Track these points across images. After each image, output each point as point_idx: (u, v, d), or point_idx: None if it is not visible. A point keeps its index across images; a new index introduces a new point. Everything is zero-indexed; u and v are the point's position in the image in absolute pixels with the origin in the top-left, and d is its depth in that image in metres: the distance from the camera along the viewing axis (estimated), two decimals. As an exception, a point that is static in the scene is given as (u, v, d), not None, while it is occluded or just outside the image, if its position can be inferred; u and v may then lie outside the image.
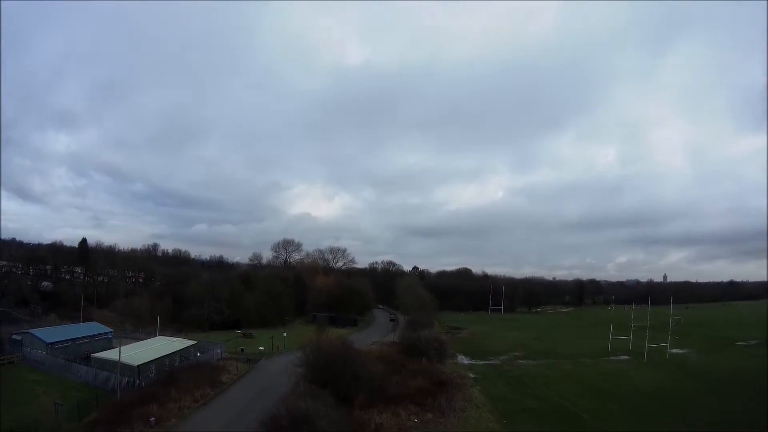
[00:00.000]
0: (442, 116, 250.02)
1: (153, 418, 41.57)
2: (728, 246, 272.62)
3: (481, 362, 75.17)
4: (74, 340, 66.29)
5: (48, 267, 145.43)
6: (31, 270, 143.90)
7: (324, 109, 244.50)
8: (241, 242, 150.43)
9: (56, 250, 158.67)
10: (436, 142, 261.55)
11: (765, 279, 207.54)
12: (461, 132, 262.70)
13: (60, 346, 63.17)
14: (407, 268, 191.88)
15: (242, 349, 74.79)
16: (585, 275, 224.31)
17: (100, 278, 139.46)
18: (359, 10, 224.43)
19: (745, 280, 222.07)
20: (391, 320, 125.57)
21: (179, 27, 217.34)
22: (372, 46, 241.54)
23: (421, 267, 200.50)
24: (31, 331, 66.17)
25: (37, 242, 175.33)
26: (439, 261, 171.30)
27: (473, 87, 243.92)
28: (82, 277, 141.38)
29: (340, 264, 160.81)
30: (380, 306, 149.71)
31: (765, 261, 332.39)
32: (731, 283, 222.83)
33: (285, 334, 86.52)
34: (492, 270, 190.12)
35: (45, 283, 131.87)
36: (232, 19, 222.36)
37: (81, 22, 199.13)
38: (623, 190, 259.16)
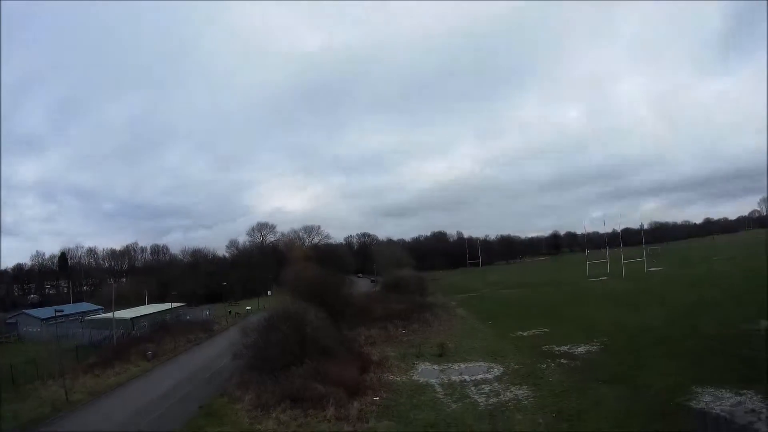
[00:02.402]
0: (402, 93, 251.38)
1: (150, 352, 44.53)
2: (700, 190, 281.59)
3: (463, 295, 77.84)
4: (67, 316, 68.36)
5: (32, 285, 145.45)
6: (15, 290, 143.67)
7: (285, 99, 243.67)
8: (217, 245, 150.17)
9: (38, 267, 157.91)
10: (399, 120, 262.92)
11: (740, 216, 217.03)
12: (423, 107, 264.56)
13: (53, 322, 65.23)
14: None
15: (230, 312, 77.94)
16: (561, 232, 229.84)
17: (85, 287, 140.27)
18: None
19: (721, 218, 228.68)
20: (371, 282, 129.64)
21: (132, 35, 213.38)
22: (326, 29, 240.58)
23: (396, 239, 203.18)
24: (25, 311, 67.86)
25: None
26: (413, 237, 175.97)
27: (429, 59, 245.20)
28: (67, 287, 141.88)
29: (316, 240, 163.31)
30: (359, 275, 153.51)
31: (740, 201, 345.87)
32: (707, 222, 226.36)
33: (270, 292, 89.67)
34: (468, 233, 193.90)
35: (32, 296, 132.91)
36: (182, 22, 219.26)
37: (35, 39, 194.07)
38: (590, 147, 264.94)
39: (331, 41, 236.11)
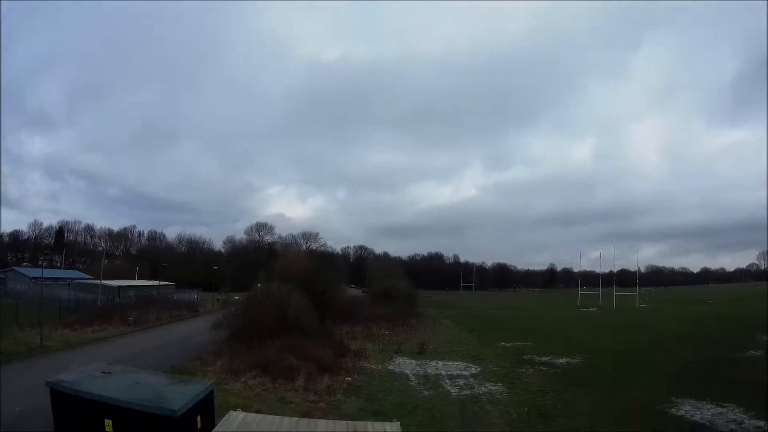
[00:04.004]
0: (415, 114, 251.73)
1: (132, 318, 44.33)
2: (701, 240, 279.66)
3: (452, 310, 77.48)
4: (56, 279, 68.17)
5: (27, 254, 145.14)
6: (9, 256, 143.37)
7: (298, 107, 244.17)
8: (214, 244, 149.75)
9: (34, 237, 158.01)
10: (409, 141, 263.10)
11: (737, 268, 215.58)
12: (434, 130, 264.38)
13: (42, 282, 64.93)
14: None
15: (218, 299, 77.44)
16: (558, 268, 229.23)
17: (78, 265, 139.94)
18: (334, 5, 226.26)
19: (719, 268, 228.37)
20: (363, 292, 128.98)
21: (154, 28, 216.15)
22: (347, 42, 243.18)
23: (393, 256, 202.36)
24: (15, 268, 67.72)
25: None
26: (410, 255, 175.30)
27: (446, 84, 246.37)
28: (60, 262, 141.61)
29: (313, 246, 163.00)
30: (352, 285, 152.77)
31: (738, 254, 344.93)
32: (704, 271, 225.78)
33: (260, 285, 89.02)
34: (464, 258, 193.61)
35: (25, 264, 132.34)
36: (206, 21, 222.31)
37: (59, 22, 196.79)
38: (596, 186, 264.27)
39: (350, 54, 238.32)
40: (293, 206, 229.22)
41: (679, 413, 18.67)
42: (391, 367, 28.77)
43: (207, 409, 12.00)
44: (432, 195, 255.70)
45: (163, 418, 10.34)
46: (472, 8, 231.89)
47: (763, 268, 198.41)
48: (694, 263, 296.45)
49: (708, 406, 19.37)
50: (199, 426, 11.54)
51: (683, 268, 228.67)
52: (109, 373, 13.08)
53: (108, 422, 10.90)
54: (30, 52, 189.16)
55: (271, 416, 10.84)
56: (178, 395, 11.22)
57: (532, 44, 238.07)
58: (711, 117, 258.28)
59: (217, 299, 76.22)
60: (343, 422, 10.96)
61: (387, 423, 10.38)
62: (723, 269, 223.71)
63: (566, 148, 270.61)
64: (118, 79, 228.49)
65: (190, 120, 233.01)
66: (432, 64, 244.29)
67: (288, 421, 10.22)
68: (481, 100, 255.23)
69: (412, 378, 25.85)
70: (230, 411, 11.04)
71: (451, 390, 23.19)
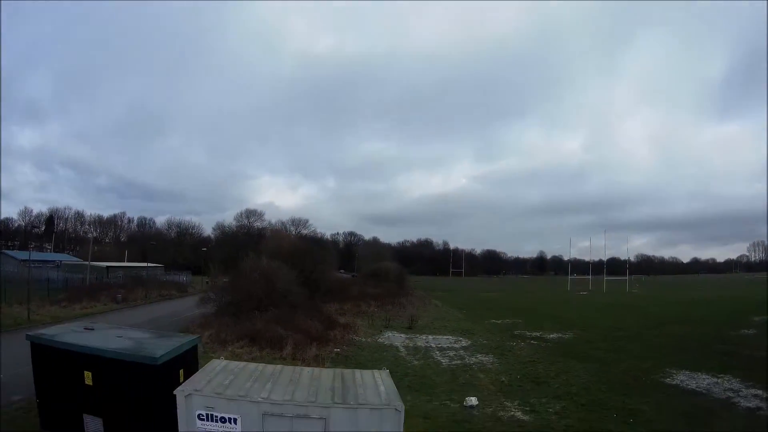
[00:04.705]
0: (405, 105, 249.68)
1: (119, 295, 43.82)
2: (690, 231, 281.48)
3: (442, 292, 77.46)
4: (46, 262, 67.34)
5: (17, 242, 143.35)
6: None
7: (288, 97, 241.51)
8: (203, 230, 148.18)
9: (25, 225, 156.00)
10: (399, 131, 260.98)
11: (728, 259, 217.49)
12: (424, 121, 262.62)
13: (31, 264, 64.13)
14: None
15: (207, 282, 76.81)
16: (548, 256, 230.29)
17: (68, 252, 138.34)
18: None
19: (709, 258, 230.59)
20: (353, 276, 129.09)
21: (144, 17, 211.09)
22: (337, 33, 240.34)
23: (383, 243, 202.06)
24: (4, 251, 66.83)
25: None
26: (399, 241, 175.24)
27: (436, 76, 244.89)
28: (50, 249, 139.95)
29: (303, 232, 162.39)
30: (342, 270, 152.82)
31: (727, 247, 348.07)
32: (694, 261, 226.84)
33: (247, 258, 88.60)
34: (454, 245, 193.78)
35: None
36: (197, 7, 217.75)
37: (46, 11, 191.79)
38: (586, 177, 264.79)
39: (342, 45, 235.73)
40: (283, 195, 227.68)
41: (673, 383, 18.52)
42: (380, 340, 28.52)
43: (190, 364, 11.62)
44: (422, 184, 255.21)
45: (144, 367, 9.97)
46: (463, 1, 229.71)
47: (754, 259, 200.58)
48: (682, 254, 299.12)
49: (703, 377, 19.22)
50: (182, 380, 11.16)
51: (673, 258, 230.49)
52: (92, 329, 12.71)
53: (87, 374, 10.54)
54: (17, 42, 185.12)
55: (254, 364, 10.52)
56: (161, 347, 10.86)
57: (522, 37, 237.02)
58: (701, 111, 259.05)
59: (206, 282, 75.62)
60: (330, 370, 10.67)
61: (375, 371, 10.11)
62: (713, 260, 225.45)
63: (557, 140, 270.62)
64: (106, 68, 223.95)
65: (180, 109, 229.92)
66: (422, 55, 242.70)
67: (271, 369, 9.89)
68: (472, 92, 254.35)
69: (402, 350, 25.63)
70: (212, 359, 10.72)
71: (442, 360, 22.99)
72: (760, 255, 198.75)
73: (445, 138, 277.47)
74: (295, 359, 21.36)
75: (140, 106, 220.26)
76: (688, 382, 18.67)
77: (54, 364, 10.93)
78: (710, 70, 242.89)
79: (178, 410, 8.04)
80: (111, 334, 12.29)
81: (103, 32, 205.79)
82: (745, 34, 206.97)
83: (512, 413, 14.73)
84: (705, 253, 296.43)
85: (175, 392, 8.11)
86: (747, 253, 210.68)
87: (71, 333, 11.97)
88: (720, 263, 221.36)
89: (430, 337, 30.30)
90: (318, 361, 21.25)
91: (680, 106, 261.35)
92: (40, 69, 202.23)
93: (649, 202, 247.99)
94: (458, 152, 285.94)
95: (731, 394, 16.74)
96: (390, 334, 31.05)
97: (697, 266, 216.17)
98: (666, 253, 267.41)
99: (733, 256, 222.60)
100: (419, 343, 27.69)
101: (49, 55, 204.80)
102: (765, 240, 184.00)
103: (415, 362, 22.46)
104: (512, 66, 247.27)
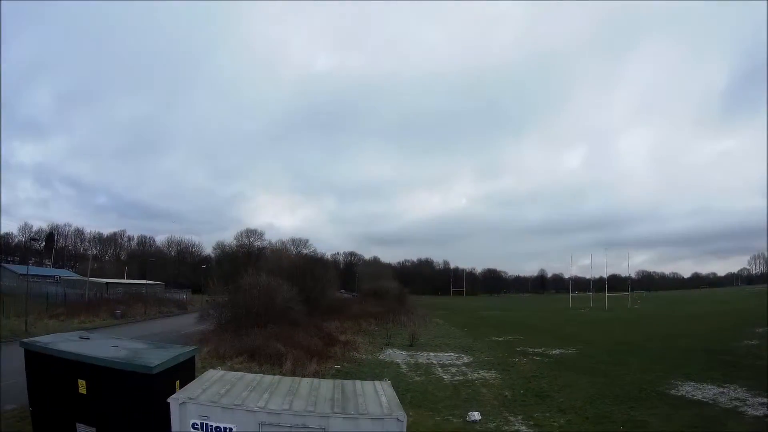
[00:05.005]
0: (405, 124, 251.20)
1: (119, 311, 43.54)
2: (690, 247, 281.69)
3: (443, 311, 76.79)
4: (45, 277, 67.05)
5: (17, 257, 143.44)
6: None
7: (288, 117, 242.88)
8: (203, 249, 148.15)
9: (25, 241, 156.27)
10: (399, 151, 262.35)
11: (728, 273, 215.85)
12: (424, 140, 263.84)
13: (30, 279, 63.95)
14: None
15: (207, 300, 76.42)
16: (549, 274, 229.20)
17: (67, 268, 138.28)
18: (327, 16, 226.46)
19: (710, 273, 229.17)
20: (353, 296, 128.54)
21: (144, 37, 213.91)
22: (338, 53, 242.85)
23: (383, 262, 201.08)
24: (4, 265, 66.65)
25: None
26: (399, 261, 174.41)
27: (436, 95, 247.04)
28: (50, 264, 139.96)
29: (303, 252, 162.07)
30: (343, 291, 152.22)
31: (727, 261, 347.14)
32: (695, 276, 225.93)
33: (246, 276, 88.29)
34: (455, 265, 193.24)
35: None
36: (198, 29, 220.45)
37: (49, 28, 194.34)
38: (586, 195, 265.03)
39: (342, 66, 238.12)
40: (282, 216, 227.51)
41: (679, 393, 18.21)
42: (381, 357, 28.13)
43: (187, 375, 11.34)
44: (422, 204, 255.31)
45: (139, 376, 9.74)
46: (462, 20, 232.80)
47: (755, 272, 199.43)
48: (683, 270, 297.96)
49: (708, 387, 18.92)
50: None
51: (674, 273, 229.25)
52: (87, 338, 12.53)
53: (82, 383, 10.31)
54: (19, 58, 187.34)
55: (251, 374, 10.30)
56: (157, 356, 10.64)
57: (521, 54, 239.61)
58: (700, 126, 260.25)
59: (206, 300, 75.20)
60: (330, 381, 10.43)
61: (377, 381, 9.89)
62: (714, 274, 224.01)
63: (556, 158, 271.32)
64: (108, 88, 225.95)
65: (180, 129, 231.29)
66: (422, 74, 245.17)
67: (269, 379, 9.67)
68: (471, 111, 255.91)
69: (403, 366, 25.25)
70: (209, 369, 10.49)
71: (444, 376, 22.64)
72: (761, 268, 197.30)
73: (444, 158, 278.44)
74: (294, 375, 21.01)
75: (141, 126, 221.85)
76: (693, 392, 18.36)
77: (48, 372, 10.71)
78: (708, 85, 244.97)
79: (171, 418, 7.81)
80: (107, 343, 12.11)
81: (106, 51, 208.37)
82: (744, 47, 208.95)
83: (516, 428, 14.43)
84: (706, 268, 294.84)
85: (168, 400, 7.89)
86: (748, 266, 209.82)
87: (66, 341, 11.77)
88: (721, 277, 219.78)
89: (432, 353, 29.90)
90: (318, 377, 20.90)
91: (678, 122, 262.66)
92: (42, 86, 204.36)
93: (649, 218, 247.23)
94: (458, 171, 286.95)
95: (738, 403, 16.48)
96: (391, 351, 30.66)
97: (698, 281, 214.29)
98: (667, 268, 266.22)
99: (734, 269, 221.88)
100: (421, 360, 27.31)
101: (51, 72, 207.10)
102: (766, 253, 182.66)
103: (417, 378, 22.11)
104: (512, 83, 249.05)
